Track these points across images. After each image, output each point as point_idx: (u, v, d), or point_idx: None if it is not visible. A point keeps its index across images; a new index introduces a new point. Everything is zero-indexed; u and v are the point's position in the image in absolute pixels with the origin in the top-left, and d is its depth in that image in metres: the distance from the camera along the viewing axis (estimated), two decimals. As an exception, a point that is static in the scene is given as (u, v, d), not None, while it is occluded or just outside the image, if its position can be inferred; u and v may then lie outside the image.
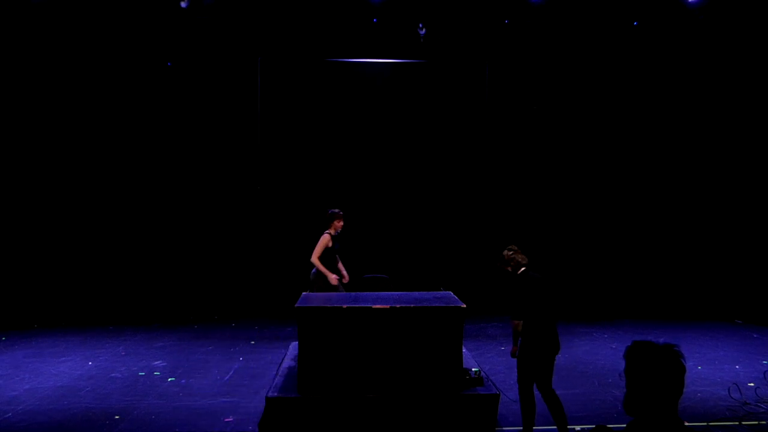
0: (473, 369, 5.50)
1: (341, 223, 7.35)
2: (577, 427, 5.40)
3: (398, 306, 5.31)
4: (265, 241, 10.28)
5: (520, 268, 5.12)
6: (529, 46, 10.34)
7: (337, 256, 7.43)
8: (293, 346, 6.54)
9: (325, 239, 7.25)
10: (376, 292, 6.79)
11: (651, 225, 10.58)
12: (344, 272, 7.48)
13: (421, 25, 9.64)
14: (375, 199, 10.24)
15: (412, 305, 5.37)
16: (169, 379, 6.82)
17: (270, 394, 5.18)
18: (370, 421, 5.11)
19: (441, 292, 6.37)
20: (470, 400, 5.18)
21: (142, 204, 10.18)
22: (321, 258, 7.20)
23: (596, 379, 6.86)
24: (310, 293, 6.26)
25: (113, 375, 6.99)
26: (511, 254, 5.16)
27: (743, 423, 5.47)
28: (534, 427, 5.08)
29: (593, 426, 5.19)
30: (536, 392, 5.05)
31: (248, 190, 10.28)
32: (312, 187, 10.28)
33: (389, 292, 6.84)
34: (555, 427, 5.02)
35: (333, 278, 7.16)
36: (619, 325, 9.63)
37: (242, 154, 10.29)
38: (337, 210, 7.39)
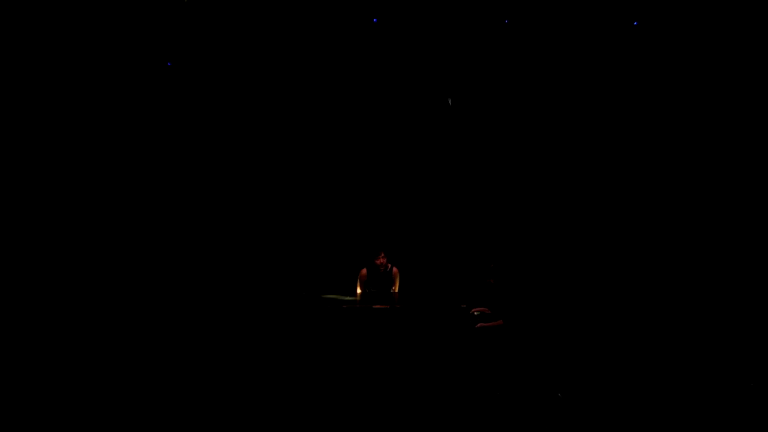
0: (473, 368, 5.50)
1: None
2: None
3: (398, 306, 5.31)
4: (265, 241, 10.26)
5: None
6: (529, 45, 10.32)
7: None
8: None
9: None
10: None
11: (648, 238, 10.52)
12: None
13: (420, 26, 9.65)
14: (374, 200, 10.22)
15: (412, 305, 5.38)
16: (170, 379, 6.81)
17: (270, 393, 5.18)
18: (370, 421, 5.11)
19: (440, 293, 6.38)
20: (470, 400, 5.18)
21: (141, 202, 10.15)
22: None
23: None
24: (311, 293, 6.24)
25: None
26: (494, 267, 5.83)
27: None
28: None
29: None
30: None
31: (248, 190, 10.27)
32: (311, 187, 10.27)
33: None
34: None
35: None
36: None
37: (241, 154, 10.27)
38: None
